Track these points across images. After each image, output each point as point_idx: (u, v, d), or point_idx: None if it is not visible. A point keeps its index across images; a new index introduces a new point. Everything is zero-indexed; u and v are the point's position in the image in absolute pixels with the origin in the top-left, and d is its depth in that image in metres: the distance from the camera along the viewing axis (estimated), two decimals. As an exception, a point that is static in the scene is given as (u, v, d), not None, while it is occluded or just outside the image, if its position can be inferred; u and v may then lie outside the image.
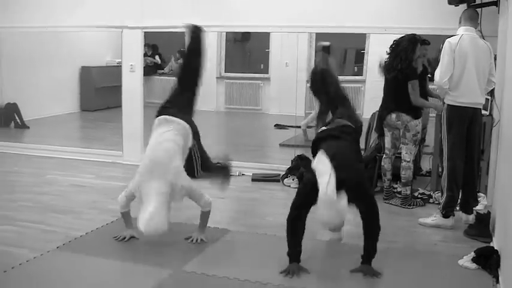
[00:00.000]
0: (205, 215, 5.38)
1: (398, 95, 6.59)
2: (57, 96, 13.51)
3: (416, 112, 6.63)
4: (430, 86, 7.40)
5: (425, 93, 7.04)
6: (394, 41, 6.66)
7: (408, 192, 6.74)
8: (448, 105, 5.86)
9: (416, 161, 7.43)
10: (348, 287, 4.55)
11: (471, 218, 5.96)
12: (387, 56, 6.69)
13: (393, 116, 6.70)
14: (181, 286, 4.48)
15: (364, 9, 7.48)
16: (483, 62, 5.77)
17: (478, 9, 6.34)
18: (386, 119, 6.77)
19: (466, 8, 6.31)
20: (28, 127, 11.82)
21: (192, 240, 5.36)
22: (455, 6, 6.56)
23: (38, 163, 8.76)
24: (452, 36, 5.84)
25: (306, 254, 4.80)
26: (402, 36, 6.61)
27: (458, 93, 5.75)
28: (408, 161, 6.70)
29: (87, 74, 14.36)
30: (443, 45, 5.84)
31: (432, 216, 6.01)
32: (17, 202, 6.61)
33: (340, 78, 10.59)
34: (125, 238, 5.35)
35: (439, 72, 5.78)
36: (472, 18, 5.92)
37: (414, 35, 6.61)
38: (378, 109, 7.04)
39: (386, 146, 6.95)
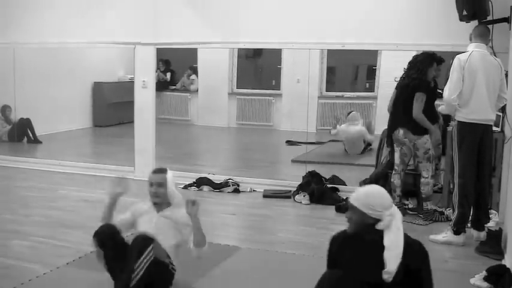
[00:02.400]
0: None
1: (407, 108, 6.61)
2: (70, 112, 13.57)
3: (423, 128, 6.64)
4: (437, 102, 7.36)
5: (433, 112, 6.96)
6: (414, 56, 6.73)
7: (429, 207, 6.76)
8: (458, 121, 5.85)
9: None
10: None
11: (482, 235, 5.93)
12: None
13: (401, 132, 6.73)
14: (192, 303, 4.48)
15: (376, 26, 7.49)
16: (494, 78, 5.77)
17: (489, 26, 6.34)
18: (394, 134, 6.81)
19: (477, 24, 6.31)
20: (41, 142, 11.88)
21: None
22: (467, 22, 6.55)
23: (50, 178, 8.79)
24: (462, 52, 5.84)
25: None
26: (422, 52, 6.67)
27: (469, 110, 5.74)
28: (426, 177, 6.73)
29: (99, 90, 14.42)
30: (452, 61, 5.84)
31: (443, 233, 5.99)
32: (29, 217, 6.64)
33: (352, 94, 10.70)
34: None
35: (447, 89, 5.77)
36: (483, 34, 5.92)
37: (433, 53, 6.67)
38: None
39: (395, 161, 6.96)
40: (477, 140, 5.82)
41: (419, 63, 6.62)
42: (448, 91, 5.77)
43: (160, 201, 4.60)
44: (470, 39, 5.97)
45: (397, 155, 6.92)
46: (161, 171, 4.69)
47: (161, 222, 4.56)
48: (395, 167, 6.94)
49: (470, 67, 5.70)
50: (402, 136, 6.71)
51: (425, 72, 6.58)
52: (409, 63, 6.84)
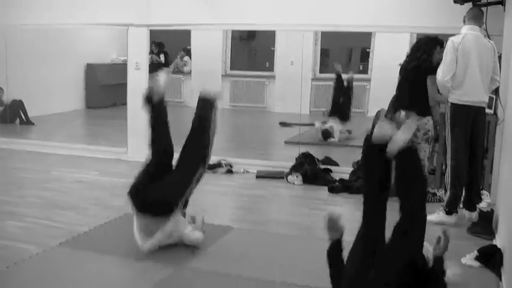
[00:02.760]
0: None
1: (414, 89, 6.51)
2: (63, 94, 13.54)
3: (426, 109, 6.62)
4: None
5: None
6: (417, 39, 6.73)
7: None
8: (451, 103, 5.86)
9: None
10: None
11: (474, 215, 5.97)
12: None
13: (402, 113, 6.70)
14: (184, 283, 4.49)
15: (370, 8, 7.49)
16: (487, 61, 5.78)
17: (484, 8, 6.34)
18: (395, 117, 6.76)
19: (471, 7, 6.31)
20: (33, 124, 11.85)
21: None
22: (461, 5, 6.55)
23: (43, 160, 8.79)
24: (456, 35, 5.84)
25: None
26: (425, 36, 6.65)
27: (462, 91, 5.75)
28: (422, 159, 6.72)
29: (92, 72, 14.39)
30: (446, 43, 5.85)
31: (436, 214, 6.01)
32: (23, 198, 6.64)
33: (345, 76, 10.68)
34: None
35: (441, 71, 5.79)
36: (476, 17, 5.92)
37: (436, 36, 6.65)
38: (382, 107, 7.03)
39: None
40: (470, 121, 5.84)
41: (425, 46, 6.54)
42: (442, 73, 5.78)
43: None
44: (464, 22, 5.97)
45: None
46: None
47: None
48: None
49: (464, 49, 5.70)
50: (405, 117, 6.66)
51: (431, 55, 6.54)
52: (413, 46, 6.78)
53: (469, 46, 5.72)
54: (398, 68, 6.89)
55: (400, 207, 3.63)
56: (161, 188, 4.91)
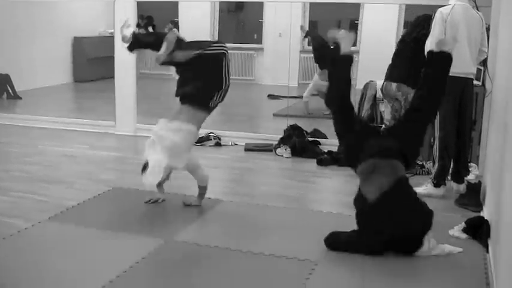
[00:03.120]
0: (201, 190, 5.47)
1: (411, 61, 6.51)
2: (50, 67, 13.47)
3: (417, 82, 6.61)
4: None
5: None
6: (416, 17, 6.79)
7: None
8: None
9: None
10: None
11: (462, 187, 5.99)
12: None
13: (393, 85, 6.70)
14: (173, 256, 4.49)
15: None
16: (475, 32, 5.76)
17: (473, -21, 6.32)
18: (386, 89, 6.77)
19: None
20: (20, 98, 11.79)
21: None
22: (449, -24, 6.52)
23: (31, 134, 8.74)
24: (444, 6, 5.81)
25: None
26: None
27: None
28: None
29: (79, 45, 14.30)
30: (434, 15, 5.82)
31: (423, 186, 6.03)
32: (9, 172, 6.61)
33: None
34: (157, 201, 5.57)
35: (430, 42, 5.75)
36: None
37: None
38: (370, 80, 7.04)
39: (385, 117, 6.98)
40: (458, 93, 5.83)
41: (424, 22, 6.53)
42: (430, 44, 5.75)
43: None
44: None
45: (387, 111, 6.91)
46: None
47: None
48: (386, 122, 6.96)
49: (452, 20, 5.68)
50: (395, 90, 6.67)
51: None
52: (412, 22, 6.85)
53: (457, 17, 5.69)
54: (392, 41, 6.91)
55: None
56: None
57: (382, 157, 4.49)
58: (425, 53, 5.83)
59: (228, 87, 5.52)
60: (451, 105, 5.83)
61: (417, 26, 6.61)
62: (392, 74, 6.73)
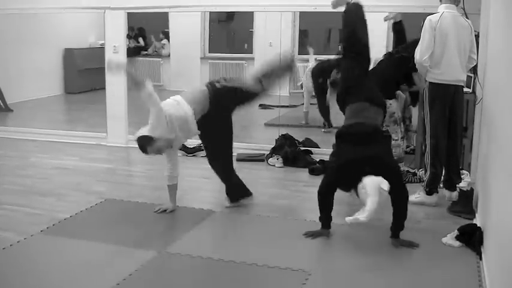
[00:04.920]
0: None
1: (385, 73, 6.62)
2: (41, 79, 13.43)
3: (387, 93, 6.66)
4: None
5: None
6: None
7: (402, 168, 6.82)
8: (429, 83, 5.86)
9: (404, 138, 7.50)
10: (338, 262, 4.58)
11: (454, 195, 6.00)
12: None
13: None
14: (166, 267, 4.48)
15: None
16: (464, 39, 5.78)
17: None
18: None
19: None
20: (12, 110, 11.75)
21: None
22: (438, -16, 6.55)
23: (22, 146, 8.71)
24: (433, 14, 5.84)
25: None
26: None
27: (440, 70, 5.75)
28: (396, 139, 6.78)
29: (70, 56, 14.27)
30: (424, 23, 5.84)
31: (416, 194, 6.04)
32: (1, 185, 6.59)
33: (324, 57, 10.66)
34: (165, 210, 5.61)
35: (419, 50, 5.77)
36: None
37: None
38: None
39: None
40: (448, 100, 5.84)
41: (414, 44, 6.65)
42: (420, 52, 5.78)
43: None
44: (441, 1, 5.97)
45: None
46: None
47: None
48: None
49: (441, 28, 5.70)
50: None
51: None
52: (408, 43, 7.01)
53: (446, 25, 5.71)
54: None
55: None
56: None
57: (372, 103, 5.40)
58: (415, 60, 5.87)
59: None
60: (442, 113, 5.84)
61: (408, 48, 6.71)
62: None
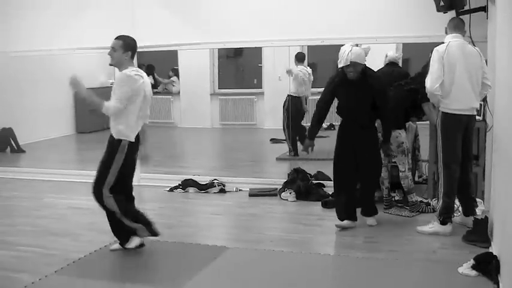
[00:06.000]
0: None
1: (396, 104, 6.64)
2: (52, 119, 13.53)
3: (397, 123, 6.68)
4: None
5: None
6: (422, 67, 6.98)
7: (414, 199, 6.80)
8: (442, 112, 5.86)
9: (413, 169, 7.48)
10: None
11: (470, 221, 5.97)
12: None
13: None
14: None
15: (354, 21, 7.51)
16: (475, 67, 5.78)
17: (467, 15, 6.38)
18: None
19: (454, 14, 6.34)
20: (24, 151, 11.82)
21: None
22: (444, 13, 6.58)
23: (35, 187, 8.75)
24: (440, 44, 5.86)
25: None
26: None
27: (450, 100, 5.75)
28: (403, 171, 6.76)
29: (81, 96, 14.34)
30: (431, 54, 5.86)
31: (430, 224, 6.01)
32: (15, 226, 6.60)
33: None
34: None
35: (429, 80, 5.79)
36: (458, 26, 5.93)
37: None
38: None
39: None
40: (462, 130, 5.84)
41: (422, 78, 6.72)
42: (430, 82, 5.78)
43: (112, 63, 5.77)
44: (446, 33, 6.00)
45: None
46: (117, 37, 5.78)
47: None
48: (382, 161, 6.98)
49: (448, 57, 5.71)
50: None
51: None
52: (416, 73, 7.07)
53: (453, 54, 5.73)
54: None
55: None
56: None
57: None
58: (426, 90, 5.87)
59: None
60: (455, 142, 5.83)
61: (417, 79, 6.80)
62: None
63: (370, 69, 6.26)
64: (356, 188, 6.35)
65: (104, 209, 5.46)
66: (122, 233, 5.53)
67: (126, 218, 5.36)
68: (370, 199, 6.45)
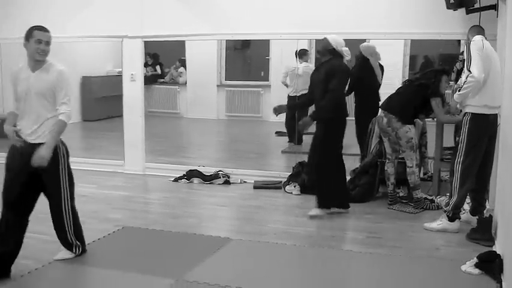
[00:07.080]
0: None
1: (407, 100, 6.67)
2: (58, 107, 13.52)
3: (407, 118, 6.67)
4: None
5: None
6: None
7: (419, 195, 6.78)
8: (471, 114, 5.72)
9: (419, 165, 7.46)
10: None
11: (474, 220, 5.95)
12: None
13: (385, 120, 6.75)
14: (184, 295, 4.48)
15: (364, 16, 7.50)
16: (499, 65, 5.72)
17: (477, 13, 6.36)
18: (378, 122, 6.89)
19: (464, 12, 6.32)
20: (30, 139, 11.81)
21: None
22: (454, 10, 6.56)
23: (40, 174, 8.73)
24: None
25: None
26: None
27: (480, 95, 5.60)
28: (411, 166, 6.74)
29: (88, 84, 14.39)
30: (466, 47, 5.72)
31: (438, 221, 5.99)
32: (19, 213, 6.60)
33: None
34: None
35: (476, 68, 5.52)
36: (480, 33, 5.87)
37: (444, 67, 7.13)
38: (378, 115, 7.09)
39: (387, 151, 6.99)
40: (489, 132, 5.75)
41: (434, 74, 6.81)
42: (477, 69, 5.51)
43: (44, 59, 5.21)
44: (468, 38, 5.95)
45: (387, 145, 6.97)
46: (47, 29, 5.27)
47: (38, 80, 5.11)
48: (388, 156, 6.98)
49: (486, 51, 5.58)
50: (386, 125, 6.76)
51: (440, 81, 6.68)
52: (424, 72, 7.18)
53: (489, 50, 5.62)
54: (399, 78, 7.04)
55: None
56: None
57: None
58: (465, 77, 5.65)
59: None
60: (480, 143, 5.71)
61: (427, 75, 6.86)
62: (386, 104, 6.87)
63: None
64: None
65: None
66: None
67: None
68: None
